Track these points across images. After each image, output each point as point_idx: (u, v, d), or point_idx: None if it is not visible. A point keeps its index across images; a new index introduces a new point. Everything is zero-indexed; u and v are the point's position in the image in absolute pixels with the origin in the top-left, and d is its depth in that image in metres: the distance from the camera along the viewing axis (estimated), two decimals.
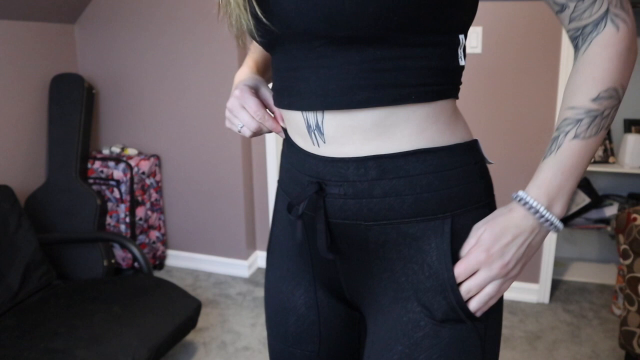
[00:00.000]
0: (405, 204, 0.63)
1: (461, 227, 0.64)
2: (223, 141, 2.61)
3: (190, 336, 2.15)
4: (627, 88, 0.62)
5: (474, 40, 2.20)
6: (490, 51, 2.20)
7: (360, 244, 0.67)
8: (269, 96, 0.78)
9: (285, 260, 0.80)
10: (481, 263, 0.62)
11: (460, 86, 0.68)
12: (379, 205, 0.64)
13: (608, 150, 2.61)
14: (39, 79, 2.51)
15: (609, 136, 2.63)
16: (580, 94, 0.60)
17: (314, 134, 0.66)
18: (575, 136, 0.60)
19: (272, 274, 0.83)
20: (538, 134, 2.26)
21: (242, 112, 0.76)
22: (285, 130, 0.76)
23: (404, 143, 0.63)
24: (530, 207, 0.61)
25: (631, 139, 2.48)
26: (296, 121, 0.68)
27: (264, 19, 0.61)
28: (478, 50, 2.21)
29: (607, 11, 0.58)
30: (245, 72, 0.82)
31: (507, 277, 0.63)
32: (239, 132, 0.77)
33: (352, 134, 0.63)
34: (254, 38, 0.68)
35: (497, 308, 0.68)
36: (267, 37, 0.65)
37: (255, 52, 0.86)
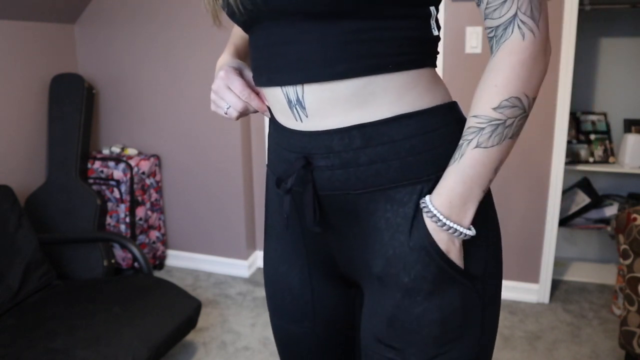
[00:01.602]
0: (391, 168, 0.64)
1: None
2: (223, 141, 2.61)
3: (190, 336, 2.14)
4: (536, 98, 0.61)
5: (474, 40, 2.20)
6: (490, 51, 2.20)
7: (351, 214, 0.69)
8: (252, 78, 0.79)
9: (280, 242, 0.82)
10: None
11: (437, 56, 0.70)
12: (366, 172, 0.65)
13: (608, 150, 2.61)
14: (39, 79, 2.51)
15: (609, 136, 2.63)
16: (483, 102, 0.60)
17: (295, 109, 0.67)
18: (477, 145, 0.60)
19: (269, 256, 0.85)
20: (537, 134, 2.26)
21: (228, 92, 0.76)
22: (270, 111, 0.77)
23: (385, 110, 0.64)
24: (433, 216, 0.62)
25: (631, 139, 2.48)
26: (277, 98, 0.69)
27: None
28: (478, 50, 2.21)
29: (514, 16, 0.58)
30: (227, 58, 0.83)
31: None
32: (225, 114, 0.78)
33: (333, 105, 0.64)
34: (232, 17, 0.68)
35: (496, 264, 0.70)
36: (246, 15, 0.66)
37: (235, 38, 0.87)
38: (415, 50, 0.64)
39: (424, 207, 0.63)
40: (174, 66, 2.61)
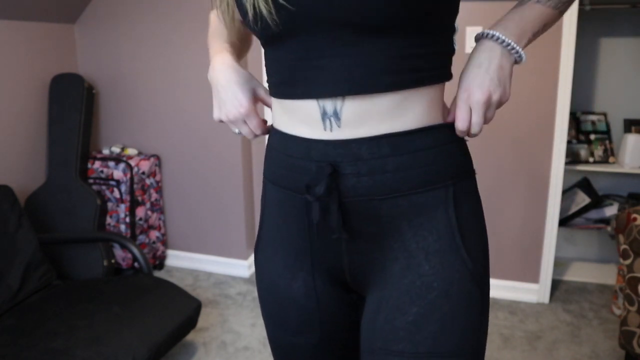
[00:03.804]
0: (414, 176, 0.68)
1: (460, 194, 0.71)
2: (223, 141, 2.61)
3: (190, 336, 2.14)
4: None
5: (474, 40, 2.20)
6: None
7: (373, 218, 0.70)
8: (264, 94, 0.80)
9: (280, 253, 0.80)
10: (472, 105, 0.70)
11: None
12: (392, 179, 0.68)
13: (608, 150, 2.61)
14: (39, 79, 2.51)
15: (609, 136, 2.63)
16: None
17: (330, 120, 0.68)
18: (538, 1, 0.72)
19: (267, 269, 0.83)
20: (537, 134, 2.26)
21: (244, 126, 0.79)
22: (272, 126, 0.79)
23: (414, 121, 0.68)
24: (498, 39, 0.69)
25: (631, 139, 2.48)
26: (307, 110, 0.69)
27: (289, 6, 0.62)
28: None
29: None
30: (230, 64, 0.80)
31: (496, 101, 0.71)
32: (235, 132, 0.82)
33: (369, 116, 0.67)
34: (262, 30, 0.67)
35: (487, 272, 0.75)
36: (281, 27, 0.65)
37: (225, 35, 0.87)
38: (445, 64, 0.70)
39: (486, 34, 0.70)
40: (174, 66, 2.60)
